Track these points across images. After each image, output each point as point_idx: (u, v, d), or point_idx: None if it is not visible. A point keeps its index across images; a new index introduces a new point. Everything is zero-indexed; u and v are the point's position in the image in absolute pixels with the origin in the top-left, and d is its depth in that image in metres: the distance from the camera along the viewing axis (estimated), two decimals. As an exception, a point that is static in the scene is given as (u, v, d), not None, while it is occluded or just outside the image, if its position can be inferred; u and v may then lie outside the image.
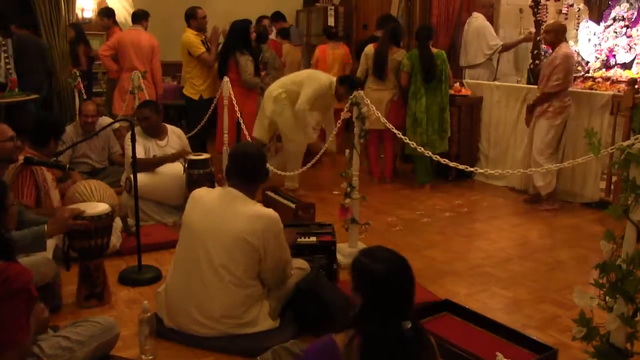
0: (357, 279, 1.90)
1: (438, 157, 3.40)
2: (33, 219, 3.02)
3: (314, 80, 5.29)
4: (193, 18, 6.21)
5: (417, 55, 5.67)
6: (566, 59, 4.90)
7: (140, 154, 4.34)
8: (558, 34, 5.03)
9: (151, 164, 4.49)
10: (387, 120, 3.90)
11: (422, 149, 3.58)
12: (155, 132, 4.68)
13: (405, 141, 3.64)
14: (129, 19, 8.30)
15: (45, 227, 2.88)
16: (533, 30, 6.62)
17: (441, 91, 5.72)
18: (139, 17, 6.68)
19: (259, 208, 2.78)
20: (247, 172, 2.82)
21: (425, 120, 5.68)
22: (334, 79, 5.31)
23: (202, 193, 2.90)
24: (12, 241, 2.30)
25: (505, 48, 6.67)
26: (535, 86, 6.01)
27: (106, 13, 7.37)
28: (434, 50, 5.76)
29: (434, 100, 5.71)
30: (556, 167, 3.08)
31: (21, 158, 3.42)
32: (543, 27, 5.32)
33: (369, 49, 5.88)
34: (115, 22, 7.40)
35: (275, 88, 5.40)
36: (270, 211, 2.78)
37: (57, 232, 3.02)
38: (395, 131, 3.72)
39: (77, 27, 7.90)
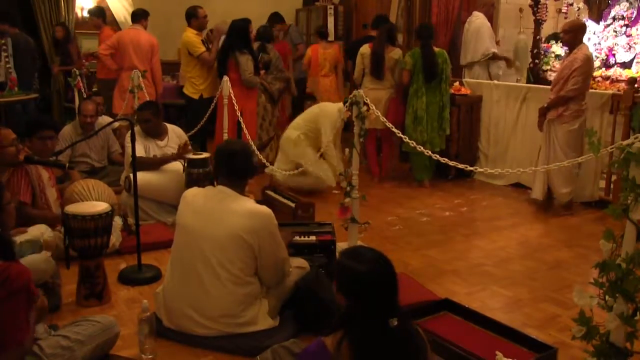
0: (340, 280, 1.91)
1: (438, 156, 3.39)
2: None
3: (326, 115, 5.34)
4: (194, 17, 6.21)
5: (420, 54, 5.71)
6: (587, 61, 4.69)
7: (140, 153, 4.35)
8: (578, 34, 4.82)
9: (151, 164, 4.49)
10: (386, 119, 3.91)
11: (422, 147, 3.58)
12: (156, 133, 4.68)
13: (405, 140, 3.64)
14: (129, 19, 8.31)
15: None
16: (530, 27, 6.60)
17: (441, 90, 5.78)
18: (139, 16, 6.68)
19: (251, 204, 2.78)
20: (235, 169, 2.81)
21: (426, 118, 5.73)
22: (341, 104, 5.31)
23: (193, 193, 2.90)
24: (12, 240, 2.31)
25: (497, 58, 6.63)
26: (536, 85, 6.04)
27: (95, 12, 7.42)
28: (436, 49, 5.79)
29: (433, 99, 5.76)
30: (556, 167, 3.07)
31: (21, 157, 3.42)
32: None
33: (365, 48, 5.91)
34: (105, 22, 7.44)
35: (292, 132, 5.45)
36: (263, 208, 2.78)
37: None
38: (395, 130, 3.72)
39: (66, 26, 7.91)
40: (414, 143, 3.60)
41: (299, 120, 5.62)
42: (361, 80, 6.00)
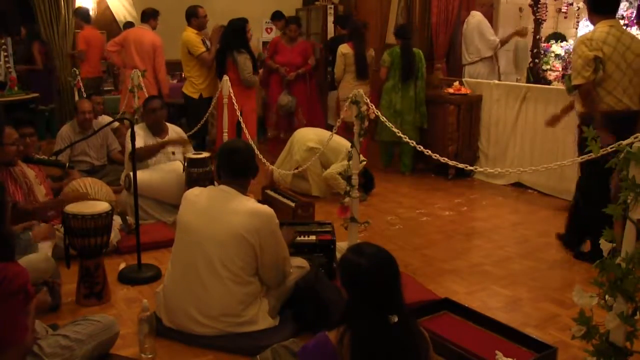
0: (343, 273, 1.94)
1: (438, 155, 3.39)
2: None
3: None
4: (194, 17, 6.21)
5: (398, 53, 6.07)
6: None
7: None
8: None
9: (150, 151, 4.51)
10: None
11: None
12: (159, 129, 4.69)
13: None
14: (129, 18, 8.32)
15: (31, 234, 3.04)
16: (530, 27, 6.61)
17: (416, 87, 6.17)
18: (147, 15, 6.70)
19: (253, 204, 2.79)
20: (238, 167, 2.82)
21: (402, 112, 6.09)
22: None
23: (195, 192, 2.90)
24: (12, 241, 2.31)
25: (502, 43, 6.67)
26: (536, 85, 6.04)
27: (78, 13, 7.58)
28: (414, 49, 6.15)
29: (408, 95, 6.15)
30: (556, 166, 3.06)
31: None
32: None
33: (346, 48, 6.16)
34: (87, 21, 7.51)
35: (314, 140, 5.28)
36: (265, 207, 2.79)
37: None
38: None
39: (29, 26, 7.90)
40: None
41: (323, 136, 5.22)
42: (342, 77, 6.25)
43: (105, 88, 8.36)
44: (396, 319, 1.83)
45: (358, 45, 6.11)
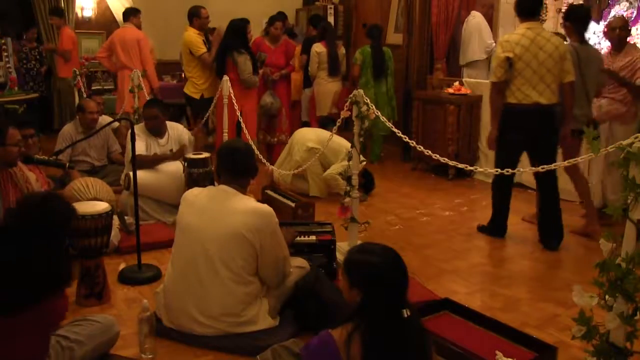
0: (355, 275, 1.94)
1: (438, 156, 3.39)
2: None
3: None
4: (196, 17, 6.21)
5: (369, 52, 6.55)
6: None
7: (141, 149, 4.37)
8: (630, 31, 4.77)
9: (151, 162, 4.50)
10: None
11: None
12: (159, 131, 4.69)
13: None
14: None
15: None
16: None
17: (387, 83, 6.68)
18: (128, 14, 6.73)
19: (253, 203, 2.79)
20: (238, 167, 2.83)
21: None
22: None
23: (194, 193, 2.91)
24: (67, 275, 2.32)
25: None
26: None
27: (53, 12, 7.58)
28: (384, 48, 6.65)
29: (380, 91, 6.62)
30: (555, 167, 3.06)
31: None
32: (608, 23, 4.90)
33: (319, 47, 6.68)
34: (65, 22, 7.50)
35: (313, 140, 5.27)
36: (265, 207, 2.79)
37: None
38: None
39: (4, 23, 7.89)
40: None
41: (323, 136, 5.18)
42: (316, 74, 6.76)
43: (106, 88, 8.38)
44: (409, 312, 1.86)
45: (330, 44, 6.64)
